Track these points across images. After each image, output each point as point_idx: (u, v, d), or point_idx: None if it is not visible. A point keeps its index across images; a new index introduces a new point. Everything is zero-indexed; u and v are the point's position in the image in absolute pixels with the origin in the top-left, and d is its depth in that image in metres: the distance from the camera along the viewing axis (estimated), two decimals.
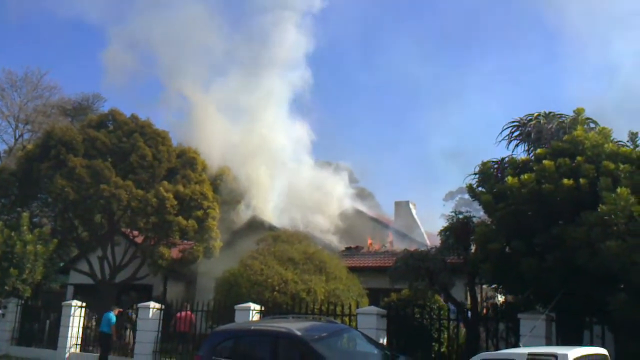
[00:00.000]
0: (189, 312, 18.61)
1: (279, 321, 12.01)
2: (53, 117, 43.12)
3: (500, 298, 16.55)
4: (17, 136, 45.01)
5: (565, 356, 5.95)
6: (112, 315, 18.96)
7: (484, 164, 13.77)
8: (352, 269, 19.22)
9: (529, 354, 6.27)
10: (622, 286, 10.70)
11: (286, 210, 26.58)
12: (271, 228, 23.72)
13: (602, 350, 7.28)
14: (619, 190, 10.39)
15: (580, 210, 10.95)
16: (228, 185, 25.94)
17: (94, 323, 20.82)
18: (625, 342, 11.54)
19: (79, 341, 20.13)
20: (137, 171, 23.96)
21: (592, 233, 10.48)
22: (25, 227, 21.12)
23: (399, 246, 22.24)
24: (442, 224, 15.34)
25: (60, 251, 25.85)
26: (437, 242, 15.58)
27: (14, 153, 37.92)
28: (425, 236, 25.58)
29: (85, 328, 20.47)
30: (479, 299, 15.86)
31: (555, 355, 6.01)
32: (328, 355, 10.04)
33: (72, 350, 19.91)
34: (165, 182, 23.74)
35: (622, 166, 11.22)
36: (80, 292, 24.91)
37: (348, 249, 25.09)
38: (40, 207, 27.36)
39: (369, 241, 25.44)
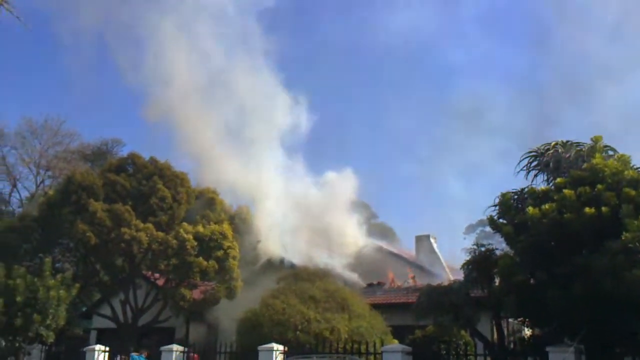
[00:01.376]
0: (193, 355, 18.45)
1: None
2: (73, 163, 43.76)
3: (527, 331, 16.26)
4: (38, 182, 45.70)
5: None
6: (144, 357, 18.92)
7: (503, 195, 13.73)
8: (375, 306, 19.08)
9: None
10: None
11: (306, 248, 26.50)
12: (292, 266, 23.67)
13: None
14: None
15: (603, 239, 10.84)
16: (247, 224, 25.96)
17: None
18: None
19: None
20: (157, 213, 24.16)
21: (617, 261, 10.35)
22: (47, 273, 21.25)
23: (421, 281, 22.04)
24: (464, 257, 15.24)
25: (83, 296, 25.93)
26: (460, 276, 15.43)
27: (36, 199, 38.41)
28: (448, 270, 25.31)
29: None
30: (505, 333, 15.60)
31: None
32: None
33: None
34: (184, 224, 23.86)
35: None
36: (103, 336, 24.92)
37: (370, 285, 24.91)
38: (62, 252, 27.57)
39: (391, 276, 25.23)
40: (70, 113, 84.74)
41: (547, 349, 11.95)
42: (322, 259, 25.41)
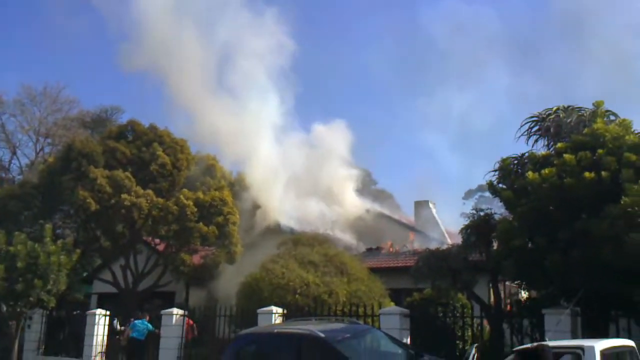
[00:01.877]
0: (188, 320, 18.62)
1: (301, 324, 12.00)
2: (73, 130, 43.61)
3: (524, 294, 16.38)
4: (37, 150, 45.61)
5: (592, 348, 5.86)
6: (146, 323, 19.05)
7: (503, 160, 13.70)
8: (374, 270, 19.18)
9: (555, 347, 6.20)
10: None
11: (305, 213, 26.55)
12: (291, 232, 23.76)
13: (630, 342, 7.18)
14: None
15: (603, 204, 10.84)
16: (247, 190, 25.97)
17: (123, 330, 20.98)
18: None
19: (104, 349, 20.31)
20: (157, 180, 24.19)
21: (616, 226, 10.35)
22: (48, 239, 21.35)
23: (420, 246, 22.12)
24: (463, 222, 15.27)
25: (84, 261, 26.06)
26: (459, 240, 15.48)
27: (35, 167, 38.40)
28: (447, 235, 25.42)
29: (116, 335, 20.67)
30: (502, 296, 15.73)
31: (582, 348, 5.93)
32: (351, 356, 10.00)
33: (98, 358, 20.08)
34: (185, 190, 23.88)
35: None
36: (104, 301, 25.08)
37: (369, 250, 25.03)
38: (62, 219, 27.63)
39: (390, 242, 25.35)
40: (70, 80, 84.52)
41: (543, 311, 12.05)
42: (322, 224, 25.48)
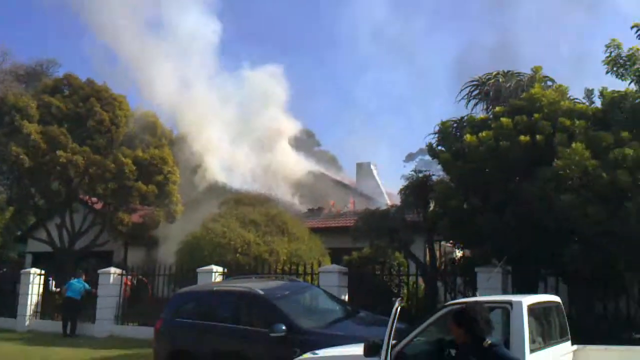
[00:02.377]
0: (125, 279, 18.49)
1: (241, 281, 12.04)
2: (6, 84, 41.69)
3: (459, 254, 16.88)
4: None
5: (519, 303, 6.07)
6: (83, 282, 18.70)
7: (443, 123, 13.86)
8: (315, 230, 19.37)
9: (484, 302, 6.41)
10: (575, 239, 10.99)
11: (247, 174, 26.42)
12: (233, 192, 23.62)
13: (556, 298, 7.47)
14: (574, 145, 10.60)
15: (536, 166, 11.15)
16: (187, 149, 25.56)
17: (59, 289, 20.58)
18: (577, 292, 11.94)
19: (39, 309, 19.92)
20: (94, 137, 23.51)
21: (547, 187, 10.68)
22: None
23: (361, 207, 22.39)
24: (403, 184, 15.50)
25: (17, 219, 25.37)
26: (398, 202, 15.74)
27: None
28: (387, 197, 25.81)
29: (52, 295, 20.26)
30: (437, 255, 16.15)
31: (510, 303, 6.13)
32: (290, 313, 10.11)
33: (33, 318, 19.70)
34: (123, 148, 23.37)
35: (577, 122, 11.42)
36: (39, 261, 24.49)
37: (310, 210, 25.20)
38: None
39: (332, 203, 25.58)
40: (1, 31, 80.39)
41: (476, 269, 12.46)
42: (263, 184, 25.42)
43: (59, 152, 22.07)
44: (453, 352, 6.14)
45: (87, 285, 18.63)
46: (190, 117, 26.28)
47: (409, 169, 36.66)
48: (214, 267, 15.46)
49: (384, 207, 16.95)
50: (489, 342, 5.36)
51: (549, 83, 14.25)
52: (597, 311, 12.21)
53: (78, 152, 22.39)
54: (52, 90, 24.90)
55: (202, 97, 26.85)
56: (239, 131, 26.68)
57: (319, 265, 15.74)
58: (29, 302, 19.69)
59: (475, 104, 15.37)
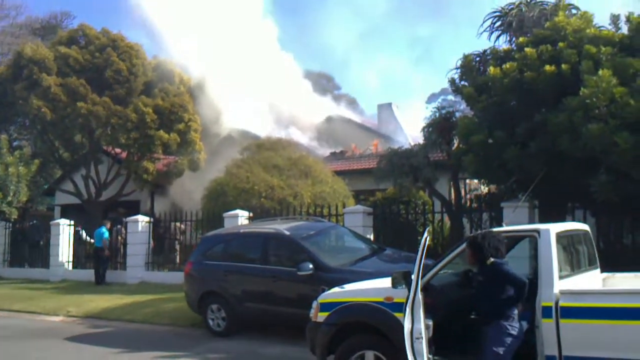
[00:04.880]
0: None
1: (267, 223, 12.16)
2: (22, 38, 41.60)
3: (484, 189, 16.76)
4: None
5: (547, 231, 6.01)
6: (105, 230, 19.02)
7: (465, 57, 13.53)
8: (338, 173, 19.34)
9: (505, 231, 6.40)
10: (603, 169, 10.79)
11: (269, 119, 26.32)
12: (255, 137, 23.58)
13: (584, 226, 7.39)
14: (600, 72, 10.27)
15: (562, 96, 10.87)
16: (208, 96, 25.43)
17: (88, 239, 21.01)
18: (605, 223, 11.83)
19: (71, 258, 20.39)
20: (113, 87, 23.39)
21: (574, 117, 10.43)
22: (5, 150, 20.91)
23: (383, 148, 22.27)
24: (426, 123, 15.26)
25: (44, 173, 25.74)
26: (421, 141, 15.57)
27: None
28: (409, 137, 25.62)
29: (80, 245, 20.72)
30: (462, 193, 16.06)
31: (538, 231, 6.07)
32: (317, 252, 10.22)
33: (65, 267, 20.20)
34: (143, 97, 23.31)
35: (603, 49, 11.04)
36: (68, 212, 24.91)
37: (332, 154, 25.15)
38: (18, 130, 26.97)
39: (353, 146, 25.47)
40: None
41: (502, 204, 12.38)
42: (286, 129, 25.36)
43: (80, 104, 22.10)
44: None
45: (105, 234, 18.90)
46: (206, 65, 26.05)
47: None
48: (240, 212, 15.59)
49: (406, 147, 16.80)
50: (492, 260, 5.76)
51: (574, 11, 13.74)
52: (626, 242, 12.11)
53: (98, 102, 22.39)
54: (68, 41, 24.70)
55: (220, 43, 26.47)
56: (257, 77, 26.35)
57: (344, 207, 15.76)
58: (60, 253, 20.15)
59: (498, 36, 14.97)
